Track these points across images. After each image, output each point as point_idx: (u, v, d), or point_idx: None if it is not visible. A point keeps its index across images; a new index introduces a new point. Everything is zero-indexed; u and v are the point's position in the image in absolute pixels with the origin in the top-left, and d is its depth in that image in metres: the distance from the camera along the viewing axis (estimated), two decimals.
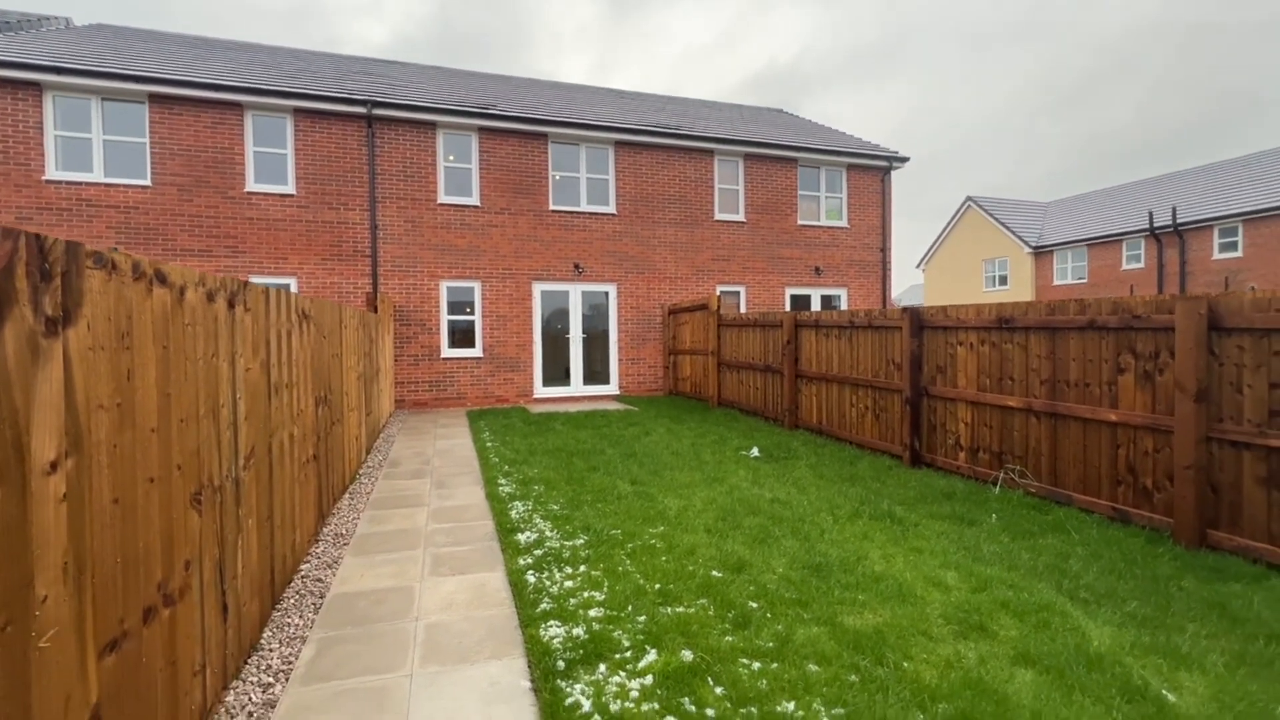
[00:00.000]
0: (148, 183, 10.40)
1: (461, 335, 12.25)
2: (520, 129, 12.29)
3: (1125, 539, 4.20)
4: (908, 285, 59.89)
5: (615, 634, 3.01)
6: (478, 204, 12.18)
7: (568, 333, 12.95)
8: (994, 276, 29.41)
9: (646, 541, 4.29)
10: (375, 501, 5.51)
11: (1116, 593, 3.43)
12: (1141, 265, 23.39)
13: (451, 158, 12.09)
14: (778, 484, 5.82)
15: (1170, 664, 2.73)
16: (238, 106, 10.78)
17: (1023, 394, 5.38)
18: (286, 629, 3.16)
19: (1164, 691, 2.52)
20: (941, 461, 6.19)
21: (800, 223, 14.65)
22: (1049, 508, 4.90)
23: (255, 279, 10.90)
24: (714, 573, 3.75)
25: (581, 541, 4.30)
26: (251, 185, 10.92)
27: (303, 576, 3.81)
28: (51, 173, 10.01)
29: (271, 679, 2.72)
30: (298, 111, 11.11)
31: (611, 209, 13.13)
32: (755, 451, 7.06)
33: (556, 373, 12.91)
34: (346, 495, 5.65)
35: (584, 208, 12.95)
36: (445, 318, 12.06)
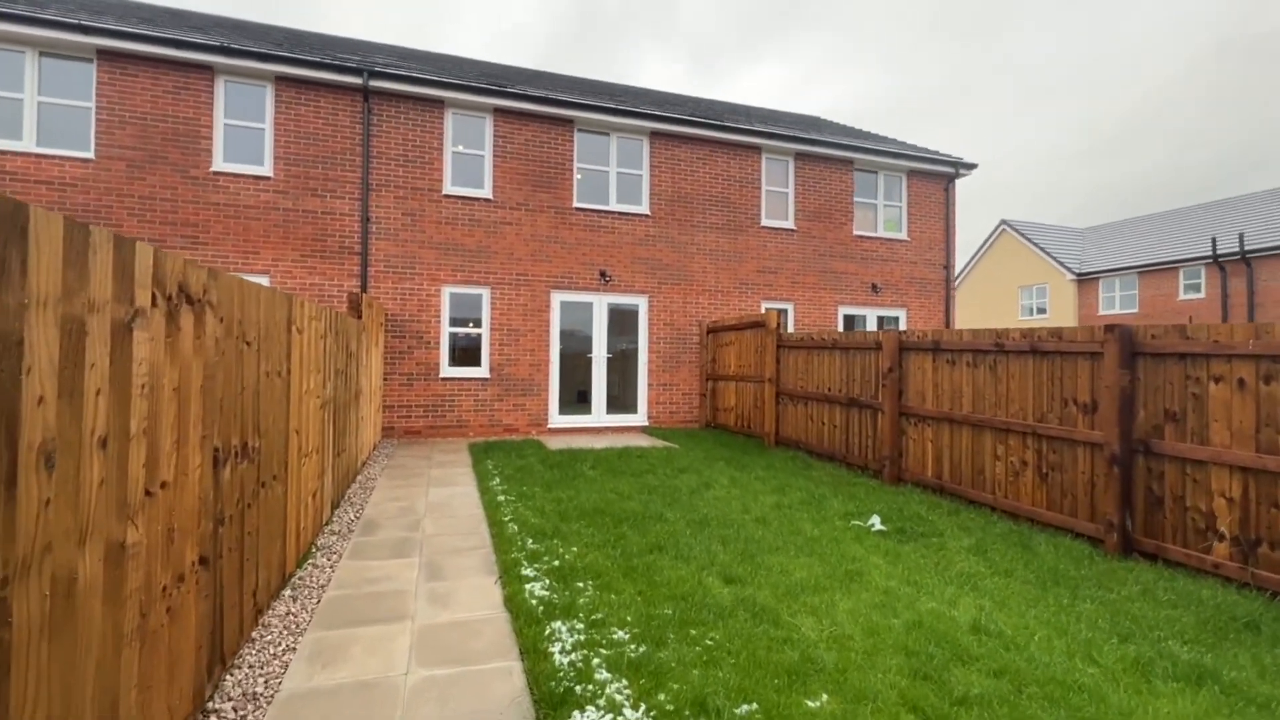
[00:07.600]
0: (90, 155, 8.52)
1: (465, 351, 10.27)
2: (542, 112, 10.47)
3: None
4: None
5: None
6: (490, 197, 10.31)
7: (590, 352, 10.98)
8: (1031, 305, 27.61)
9: None
10: (327, 608, 3.48)
11: None
12: (1201, 295, 21.56)
13: (460, 147, 10.24)
14: (940, 583, 3.82)
15: None
16: (207, 70, 8.96)
17: None
18: None
19: None
20: (1177, 553, 4.19)
21: (856, 233, 12.81)
22: None
23: None
24: None
25: None
26: (219, 164, 9.04)
27: None
28: None
29: None
30: (280, 79, 9.29)
31: (644, 209, 11.27)
32: (877, 522, 5.05)
33: (575, 399, 10.91)
34: (286, 591, 3.63)
35: (613, 206, 11.08)
36: (446, 330, 10.10)
